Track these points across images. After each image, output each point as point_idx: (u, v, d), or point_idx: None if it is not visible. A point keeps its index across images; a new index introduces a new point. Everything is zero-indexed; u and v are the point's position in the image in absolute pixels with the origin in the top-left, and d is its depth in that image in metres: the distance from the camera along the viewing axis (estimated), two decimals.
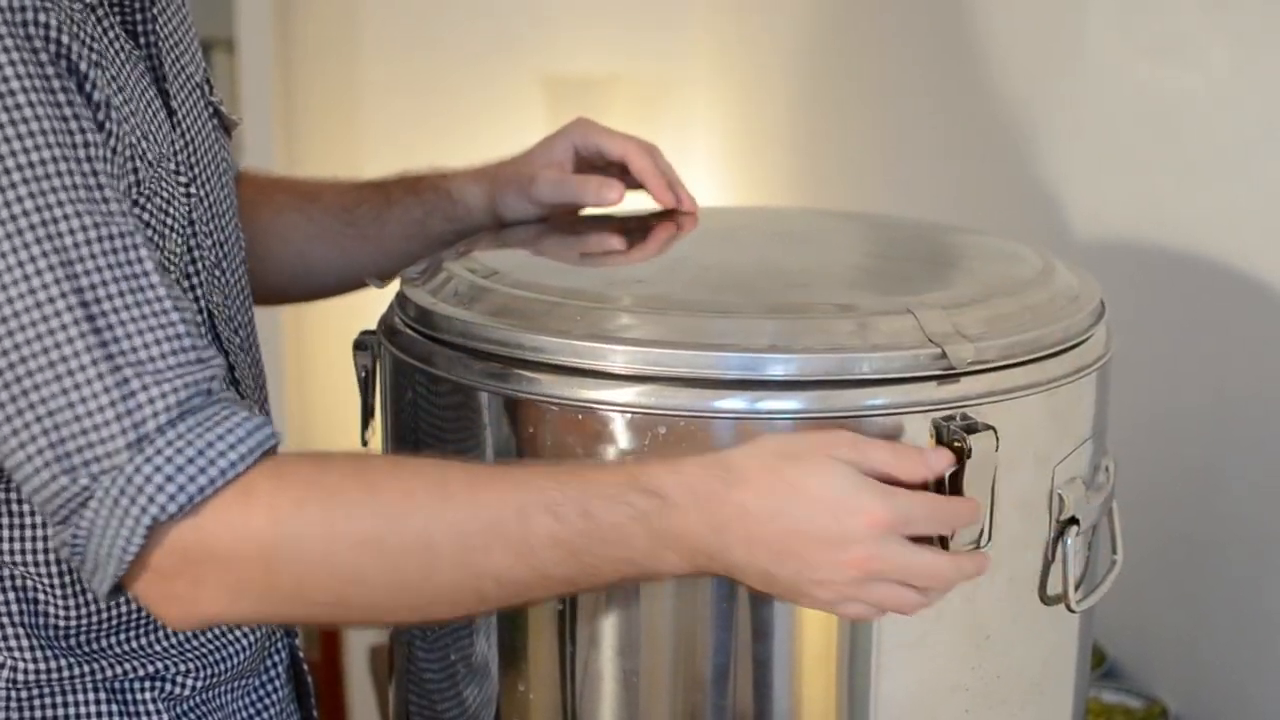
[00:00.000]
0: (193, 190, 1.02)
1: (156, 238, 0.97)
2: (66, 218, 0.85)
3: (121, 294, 0.86)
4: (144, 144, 0.96)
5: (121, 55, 0.97)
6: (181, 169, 1.01)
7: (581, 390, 0.93)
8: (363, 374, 1.11)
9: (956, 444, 0.90)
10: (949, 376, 0.93)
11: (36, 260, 0.84)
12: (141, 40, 1.03)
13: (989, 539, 0.93)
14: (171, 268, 0.98)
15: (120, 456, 0.84)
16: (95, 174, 0.86)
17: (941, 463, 0.89)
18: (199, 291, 1.03)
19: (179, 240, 0.99)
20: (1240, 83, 1.35)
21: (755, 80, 2.57)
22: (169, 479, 0.84)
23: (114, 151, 0.91)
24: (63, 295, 0.84)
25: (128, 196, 0.92)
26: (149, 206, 0.96)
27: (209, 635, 1.05)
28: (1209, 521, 1.42)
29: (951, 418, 0.92)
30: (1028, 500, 0.97)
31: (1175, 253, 1.45)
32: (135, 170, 0.94)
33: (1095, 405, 1.02)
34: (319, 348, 3.02)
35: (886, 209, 1.96)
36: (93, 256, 0.85)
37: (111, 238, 0.86)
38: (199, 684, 1.05)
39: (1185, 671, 1.47)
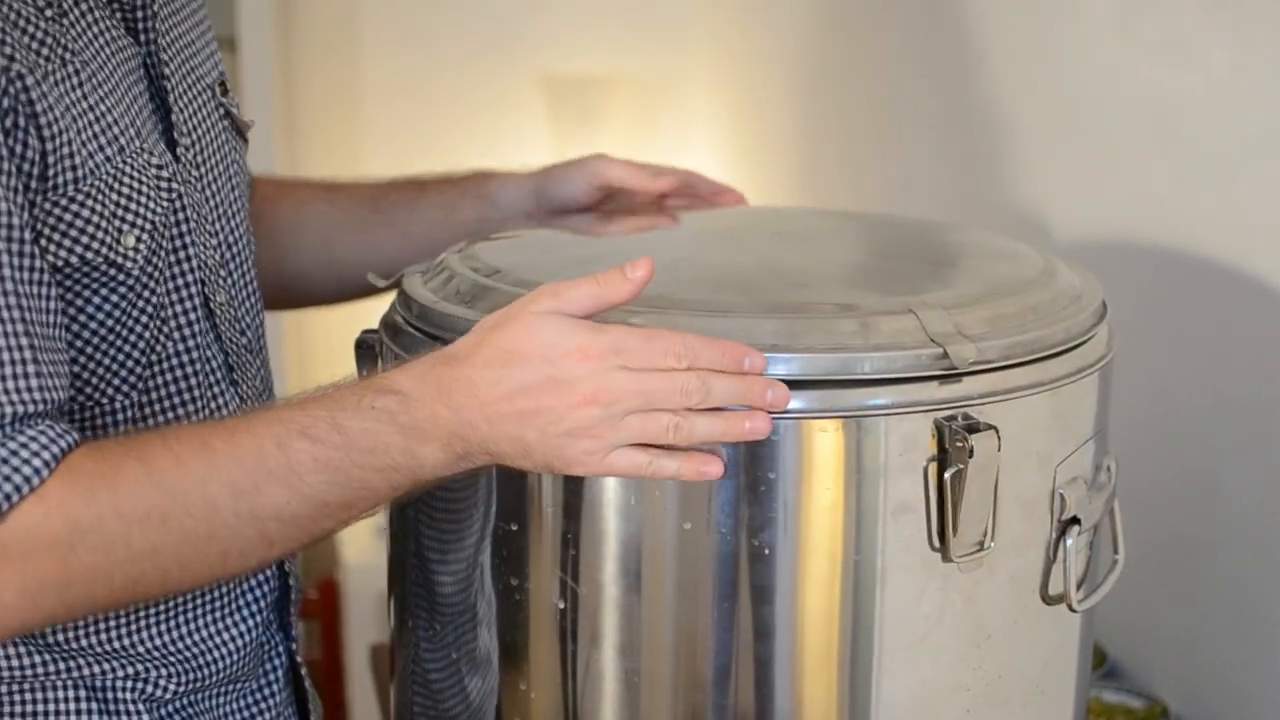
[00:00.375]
0: (176, 185, 1.02)
1: (109, 227, 0.97)
2: None
3: None
4: (107, 134, 0.96)
5: (107, 50, 0.98)
6: (166, 164, 1.01)
7: None
8: (364, 373, 1.11)
9: (959, 444, 0.90)
10: (950, 376, 0.93)
11: None
12: (141, 38, 1.03)
13: (992, 539, 0.94)
14: (136, 256, 0.99)
15: None
16: None
17: (641, 270, 0.90)
18: (192, 289, 1.03)
19: (148, 229, 0.99)
20: (1240, 82, 1.35)
21: (755, 80, 2.57)
22: None
23: (20, 157, 0.91)
24: None
25: (33, 196, 0.92)
26: (90, 205, 0.96)
27: (195, 638, 1.06)
28: (1210, 521, 1.42)
29: (954, 417, 0.92)
30: (1029, 500, 0.97)
31: (1175, 253, 1.45)
32: (69, 168, 0.94)
33: (1097, 405, 1.02)
34: (321, 347, 3.02)
35: (887, 208, 1.96)
36: None
37: None
38: (182, 688, 1.05)
39: (1186, 671, 1.47)
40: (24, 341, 0.88)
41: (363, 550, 2.77)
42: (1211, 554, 1.42)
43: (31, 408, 0.87)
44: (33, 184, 0.91)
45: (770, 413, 0.90)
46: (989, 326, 0.96)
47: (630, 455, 0.89)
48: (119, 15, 1.02)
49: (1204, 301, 1.41)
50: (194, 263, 1.03)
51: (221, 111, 1.13)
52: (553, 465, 0.90)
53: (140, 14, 1.03)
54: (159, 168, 1.00)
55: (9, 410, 0.87)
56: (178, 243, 1.02)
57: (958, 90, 1.83)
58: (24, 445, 0.86)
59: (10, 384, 0.87)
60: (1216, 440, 1.41)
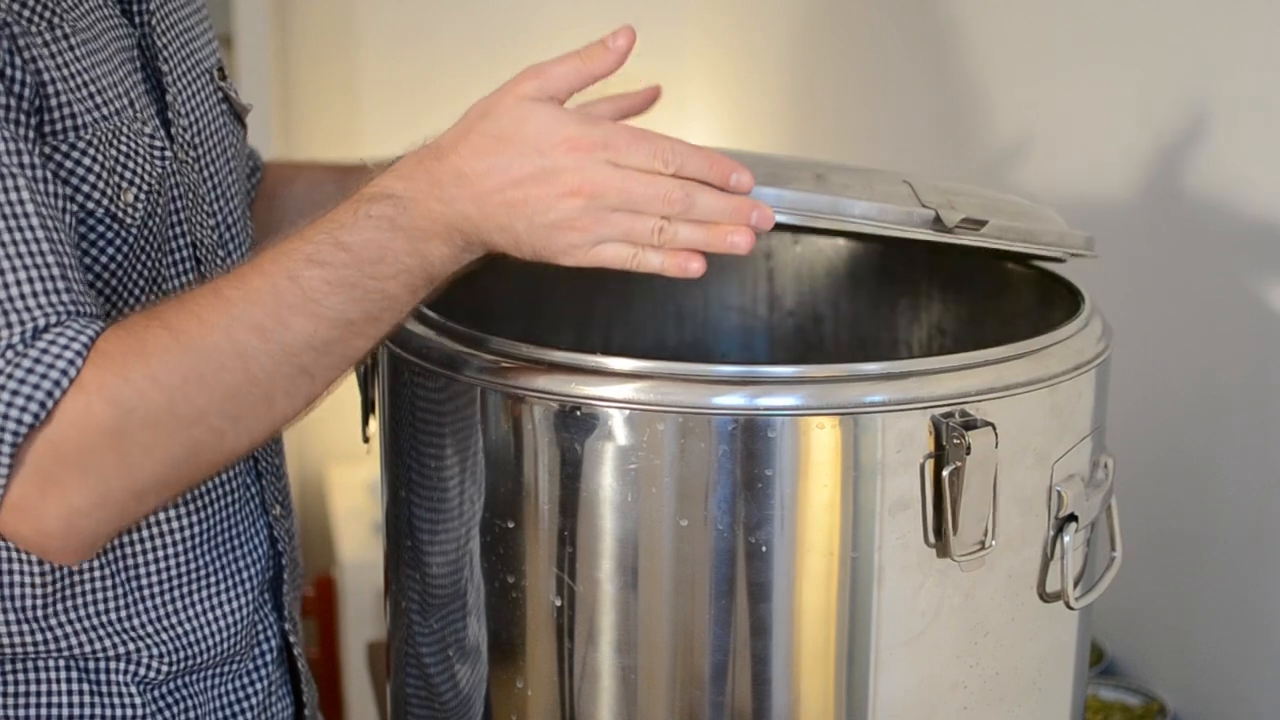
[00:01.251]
0: (169, 155, 1.02)
1: (110, 180, 0.97)
2: None
3: None
4: (100, 97, 0.97)
5: (100, 25, 0.99)
6: (159, 137, 1.01)
7: (580, 386, 0.93)
8: (362, 370, 1.11)
9: (956, 440, 0.90)
10: (940, 233, 0.92)
11: None
12: (136, 20, 1.04)
13: (993, 536, 0.93)
14: (135, 213, 0.99)
15: None
16: None
17: (622, 38, 0.93)
18: (188, 265, 1.04)
19: (145, 189, 1.00)
20: (1233, 68, 1.35)
21: (750, 78, 2.57)
22: (14, 396, 0.85)
23: (19, 97, 0.91)
24: None
25: (35, 142, 0.92)
26: (90, 153, 0.96)
27: (187, 614, 1.06)
28: (1207, 519, 1.42)
29: (951, 414, 0.92)
30: (1027, 497, 0.97)
31: (1171, 249, 1.44)
32: (69, 115, 0.95)
33: (1094, 402, 1.02)
34: None
35: None
36: None
37: None
38: (173, 668, 1.05)
39: (1183, 668, 1.47)
40: (50, 259, 0.88)
41: (360, 548, 2.77)
42: (1209, 552, 1.42)
43: (61, 317, 0.87)
44: (32, 131, 0.92)
45: (769, 413, 0.90)
46: (981, 211, 0.95)
47: (615, 248, 0.90)
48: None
49: (1201, 299, 1.41)
50: (189, 239, 1.04)
51: (219, 95, 1.13)
52: (541, 255, 0.91)
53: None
54: (151, 136, 1.01)
55: (41, 320, 0.87)
56: (174, 218, 1.03)
57: (952, 85, 1.83)
58: (52, 343, 0.86)
59: (41, 298, 0.87)
60: (1213, 438, 1.41)
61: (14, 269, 0.87)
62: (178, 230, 1.03)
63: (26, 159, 0.90)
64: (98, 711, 1.03)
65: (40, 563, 0.99)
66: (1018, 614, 0.99)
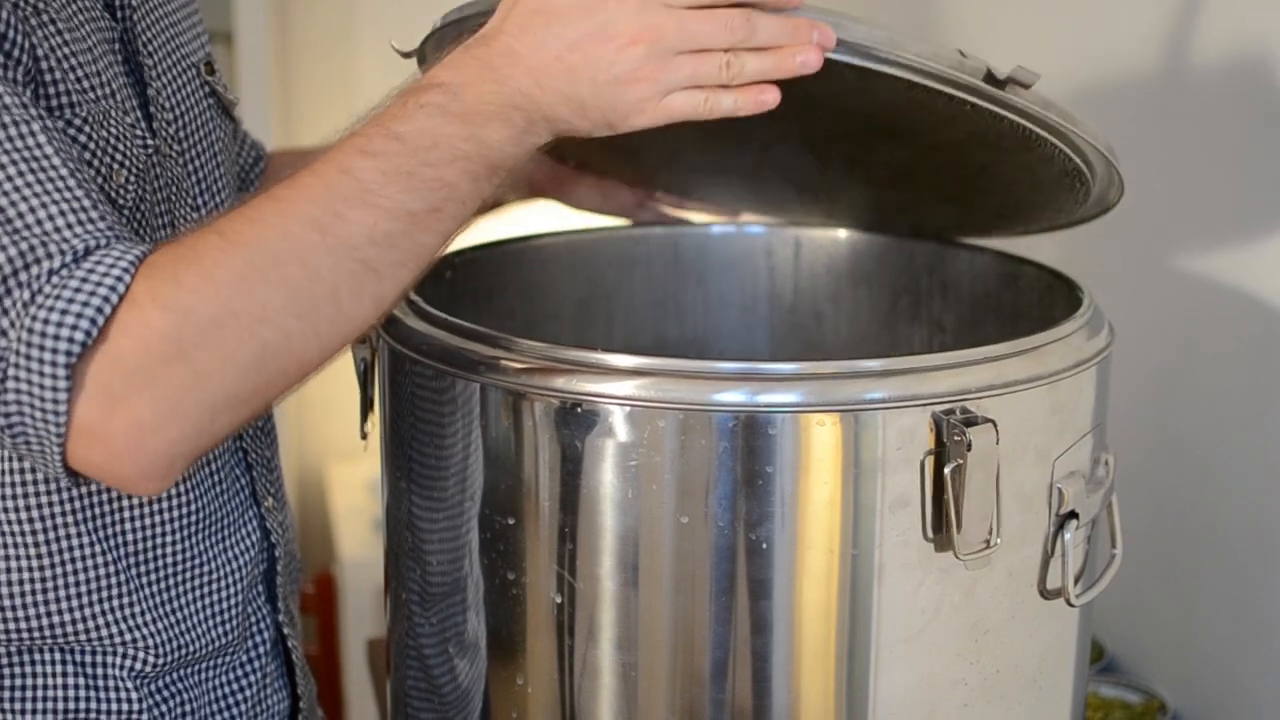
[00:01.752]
0: (151, 145, 1.02)
1: (105, 159, 0.97)
2: None
3: (16, 166, 0.86)
4: (87, 80, 0.96)
5: (81, 16, 0.98)
6: (140, 128, 1.01)
7: (581, 383, 0.93)
8: (361, 366, 1.11)
9: (957, 438, 0.90)
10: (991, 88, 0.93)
11: None
12: (118, 14, 1.04)
13: (997, 534, 0.93)
14: (127, 195, 0.98)
15: (25, 307, 0.84)
16: None
17: None
18: None
19: (135, 172, 0.99)
20: (1239, 71, 1.34)
21: None
22: (63, 315, 0.83)
23: (18, 63, 0.91)
24: None
25: (36, 105, 0.91)
26: (86, 130, 0.96)
27: (176, 603, 1.05)
28: (1207, 516, 1.42)
29: (952, 411, 0.92)
30: (1027, 494, 0.96)
31: (1172, 245, 1.44)
32: (63, 93, 0.94)
33: (1095, 399, 1.02)
34: None
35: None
36: None
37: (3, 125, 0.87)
38: (167, 660, 1.05)
39: (1183, 666, 1.46)
40: (79, 193, 0.87)
41: (360, 545, 2.77)
42: (1209, 549, 1.42)
43: (104, 242, 0.86)
44: (35, 99, 0.92)
45: (769, 410, 0.89)
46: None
47: (685, 97, 0.89)
48: None
49: (1202, 295, 1.41)
50: (172, 231, 1.04)
51: (206, 90, 1.13)
52: (609, 119, 0.89)
53: None
54: (132, 126, 1.00)
55: (81, 245, 0.85)
56: (160, 208, 1.02)
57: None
58: (98, 263, 0.84)
59: (78, 227, 0.86)
60: (1214, 435, 1.41)
61: (45, 204, 0.86)
62: (162, 221, 1.03)
63: (33, 110, 0.89)
64: (94, 706, 1.03)
65: (35, 544, 0.99)
66: (1018, 611, 0.98)
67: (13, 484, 0.99)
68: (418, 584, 1.06)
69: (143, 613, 1.04)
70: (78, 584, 1.02)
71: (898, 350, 1.31)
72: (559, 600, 0.96)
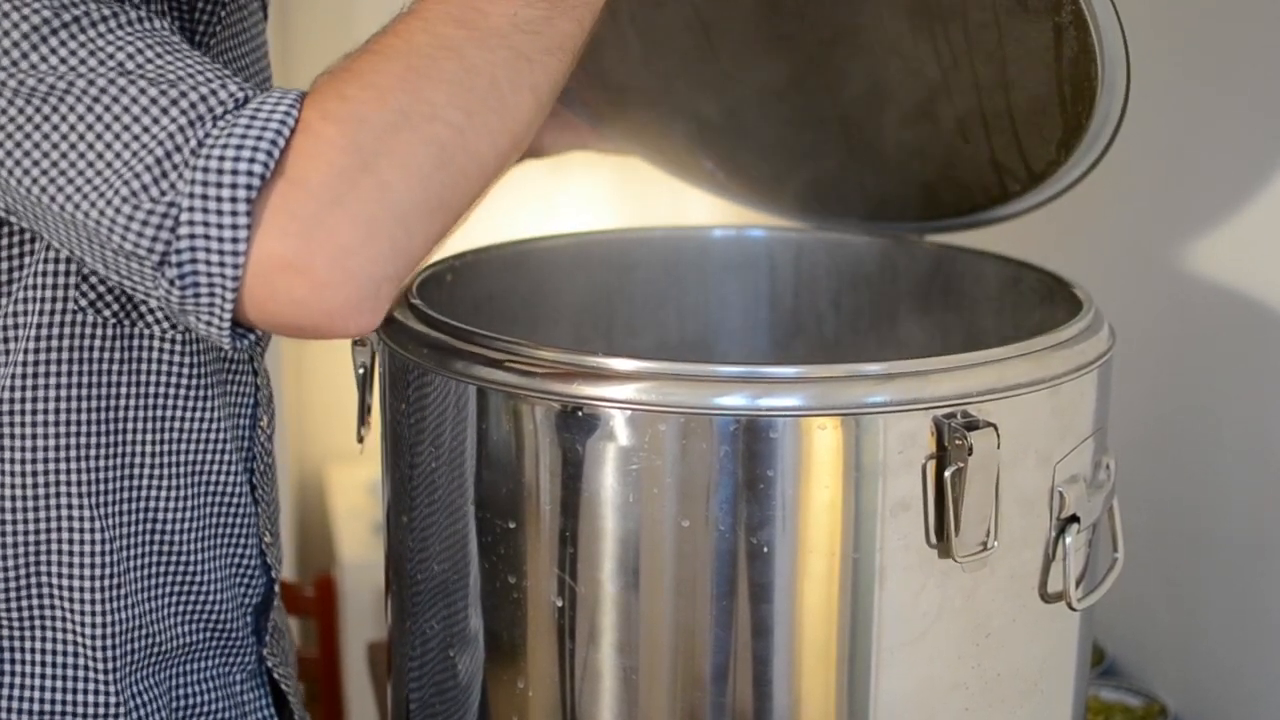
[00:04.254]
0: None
1: None
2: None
3: (156, 50, 0.86)
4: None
5: None
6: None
7: (581, 387, 0.93)
8: (360, 370, 1.11)
9: (958, 441, 0.90)
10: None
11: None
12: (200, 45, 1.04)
13: (995, 537, 0.93)
14: None
15: (195, 152, 0.83)
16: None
17: None
18: None
19: None
20: (1241, 83, 1.34)
21: None
22: (239, 150, 0.82)
23: None
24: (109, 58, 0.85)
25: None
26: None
27: (149, 605, 1.05)
28: (1208, 519, 1.42)
29: (953, 415, 0.92)
30: (1028, 498, 0.96)
31: (1173, 248, 1.44)
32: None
33: (1096, 402, 1.02)
34: (317, 345, 3.01)
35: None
36: (124, 27, 0.86)
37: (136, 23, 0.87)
38: (131, 653, 1.05)
39: (1184, 670, 1.46)
40: (216, 66, 0.87)
41: (360, 548, 2.77)
42: (1210, 552, 1.42)
43: (258, 93, 0.86)
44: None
45: (770, 414, 0.89)
46: None
47: None
48: (177, 22, 1.02)
49: (1203, 298, 1.41)
50: None
51: None
52: None
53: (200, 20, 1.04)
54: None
55: (242, 95, 0.85)
56: None
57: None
58: (263, 103, 0.84)
59: (232, 84, 0.85)
60: (1216, 439, 1.41)
61: (194, 74, 0.85)
62: None
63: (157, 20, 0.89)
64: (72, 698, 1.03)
65: (29, 512, 0.99)
66: (1019, 615, 0.98)
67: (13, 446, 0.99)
68: (418, 587, 1.06)
69: (103, 613, 1.03)
70: (71, 560, 1.01)
71: (899, 354, 1.31)
72: (560, 604, 0.96)
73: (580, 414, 0.93)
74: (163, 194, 0.82)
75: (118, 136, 0.83)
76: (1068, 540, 0.98)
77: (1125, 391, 1.14)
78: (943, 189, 1.27)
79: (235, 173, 0.82)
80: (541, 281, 1.32)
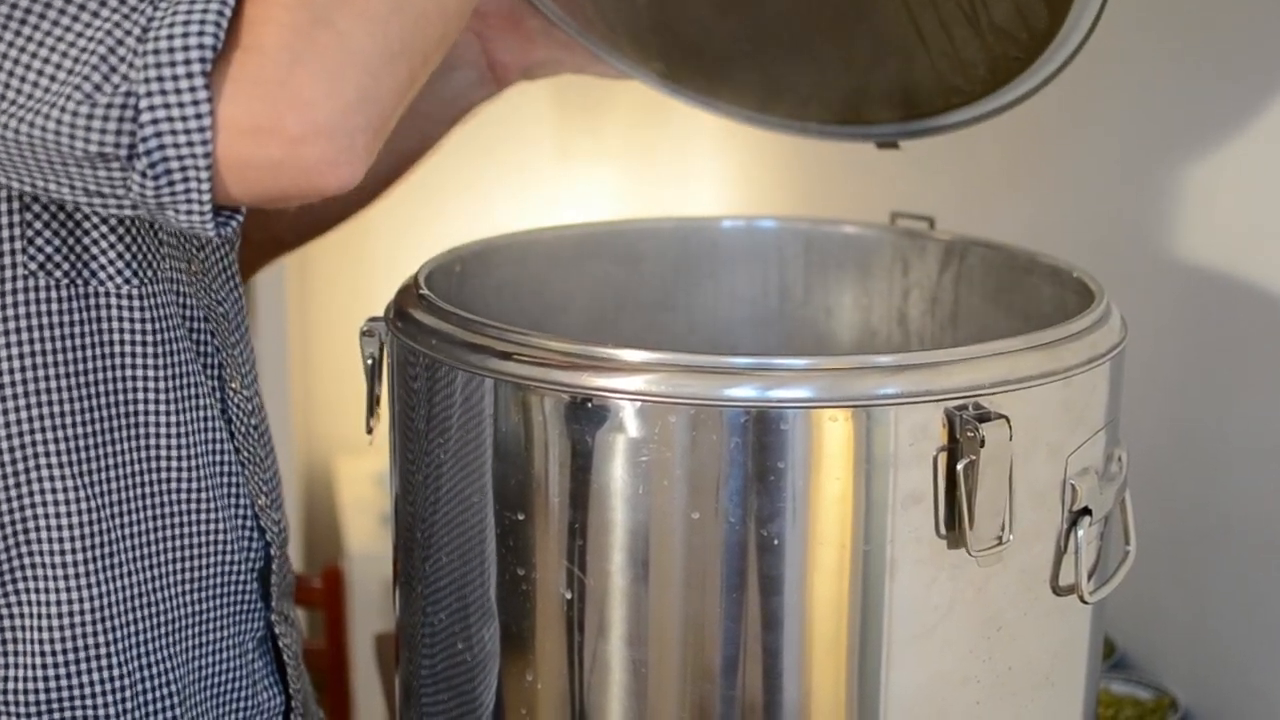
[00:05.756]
0: None
1: None
2: None
3: None
4: None
5: None
6: None
7: (591, 378, 0.92)
8: (369, 361, 1.11)
9: (970, 433, 0.90)
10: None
11: None
12: None
13: (1009, 530, 0.93)
14: None
15: (140, 39, 0.82)
16: None
17: None
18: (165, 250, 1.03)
19: None
20: (1254, 79, 1.34)
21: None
22: (186, 26, 0.81)
23: None
24: None
25: None
26: None
27: (154, 563, 1.04)
28: (1219, 512, 1.42)
29: (964, 407, 0.91)
30: (1040, 491, 0.96)
31: (1186, 242, 1.44)
32: None
33: (1109, 394, 1.01)
34: (324, 335, 3.01)
35: (890, 205, 1.95)
36: None
37: None
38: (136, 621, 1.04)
39: (1195, 663, 1.46)
40: None
41: (368, 539, 2.77)
42: (1221, 545, 1.42)
43: None
44: None
45: (781, 405, 0.89)
46: None
47: None
48: None
49: (1216, 290, 1.40)
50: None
51: None
52: None
53: None
54: None
55: None
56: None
57: None
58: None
59: None
60: (1227, 431, 1.40)
61: None
62: None
63: None
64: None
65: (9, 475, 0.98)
66: (1031, 608, 0.98)
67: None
68: (426, 580, 1.06)
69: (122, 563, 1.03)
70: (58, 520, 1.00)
71: (910, 345, 1.31)
72: (569, 596, 0.96)
73: (590, 405, 0.92)
74: (116, 87, 0.82)
75: (55, 45, 0.82)
76: (1079, 533, 0.97)
77: (1136, 384, 1.14)
78: (924, 77, 1.23)
79: (187, 48, 0.81)
80: (549, 273, 1.32)
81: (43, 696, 1.01)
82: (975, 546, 0.92)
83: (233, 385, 1.10)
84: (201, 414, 1.06)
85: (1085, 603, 0.99)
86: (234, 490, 1.09)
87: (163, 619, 1.05)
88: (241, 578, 1.10)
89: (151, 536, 1.04)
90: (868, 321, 1.34)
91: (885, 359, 0.92)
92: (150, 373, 1.03)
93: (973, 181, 1.84)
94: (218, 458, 1.08)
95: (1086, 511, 0.97)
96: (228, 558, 1.08)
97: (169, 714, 1.05)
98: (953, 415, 0.91)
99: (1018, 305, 1.23)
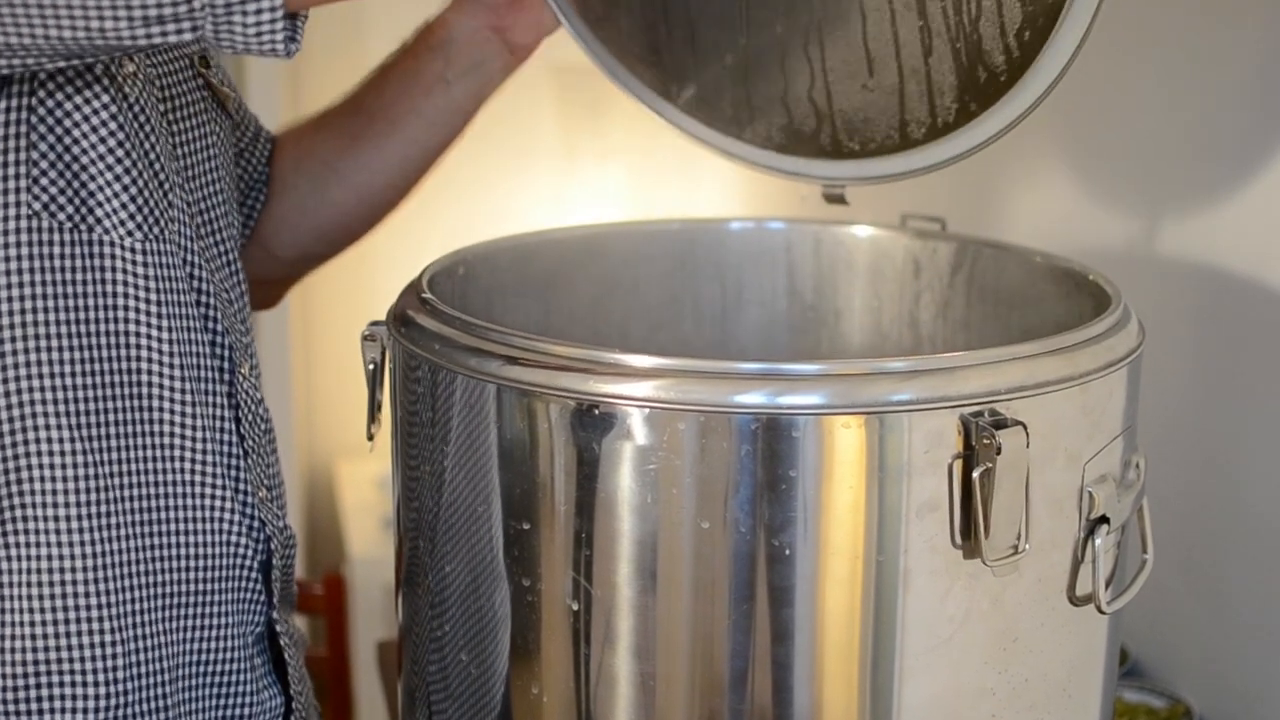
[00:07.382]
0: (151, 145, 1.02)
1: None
2: None
3: None
4: None
5: None
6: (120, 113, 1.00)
7: (598, 384, 0.91)
8: (371, 366, 1.09)
9: (986, 440, 0.88)
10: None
11: None
12: None
13: (1026, 539, 0.91)
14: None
15: None
16: None
17: None
18: (172, 243, 1.02)
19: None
20: (1264, 77, 1.33)
21: None
22: None
23: None
24: None
25: None
26: None
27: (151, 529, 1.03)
28: (1233, 520, 1.41)
29: (980, 413, 0.89)
30: (1057, 499, 0.94)
31: (1202, 249, 1.43)
32: None
33: (1126, 401, 1.00)
34: (327, 340, 3.00)
35: (900, 207, 1.93)
36: None
37: None
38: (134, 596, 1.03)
39: (1209, 671, 1.45)
40: None
41: (369, 544, 2.75)
42: (1235, 553, 1.41)
43: None
44: None
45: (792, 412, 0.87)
46: None
47: None
48: None
49: (1231, 297, 1.39)
50: (171, 214, 1.03)
51: (200, 82, 1.12)
52: None
53: None
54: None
55: None
56: (167, 196, 1.02)
57: None
58: None
59: None
60: (1242, 438, 1.39)
61: None
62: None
63: None
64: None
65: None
66: (1048, 619, 0.96)
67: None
68: (430, 589, 1.04)
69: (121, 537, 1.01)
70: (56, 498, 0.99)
71: (921, 350, 1.29)
72: (575, 607, 0.94)
73: (596, 412, 0.91)
74: None
75: None
76: (1097, 542, 0.95)
77: (1152, 390, 1.12)
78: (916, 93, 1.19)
79: None
80: (554, 275, 1.30)
81: (30, 656, 0.99)
82: (991, 556, 0.91)
83: (242, 370, 1.09)
84: (206, 387, 1.05)
85: (1103, 613, 0.97)
86: (236, 474, 1.08)
87: (159, 590, 1.03)
88: (246, 563, 1.08)
89: (151, 503, 1.02)
90: (878, 324, 1.32)
91: (899, 364, 0.91)
92: (154, 331, 1.01)
93: (985, 182, 1.83)
94: (221, 436, 1.06)
95: (1104, 520, 0.96)
96: (229, 538, 1.07)
97: (159, 689, 1.04)
98: (968, 422, 0.89)
99: (1031, 308, 1.21)
